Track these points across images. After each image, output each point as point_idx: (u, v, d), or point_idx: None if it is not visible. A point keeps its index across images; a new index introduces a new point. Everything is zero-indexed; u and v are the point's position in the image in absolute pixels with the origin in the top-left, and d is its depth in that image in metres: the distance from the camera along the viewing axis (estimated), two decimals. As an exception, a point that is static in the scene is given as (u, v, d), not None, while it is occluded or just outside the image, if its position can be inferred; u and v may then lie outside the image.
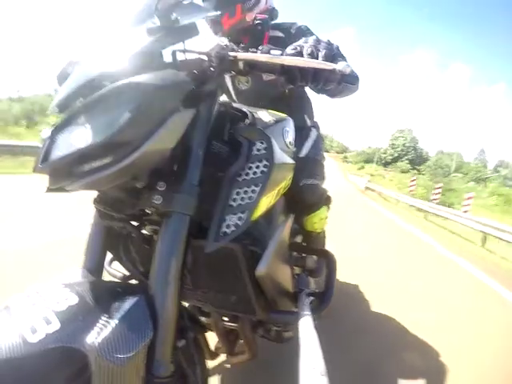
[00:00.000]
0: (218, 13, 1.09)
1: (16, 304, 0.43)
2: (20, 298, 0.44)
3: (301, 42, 0.62)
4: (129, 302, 0.46)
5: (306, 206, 1.09)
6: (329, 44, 0.61)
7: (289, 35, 1.12)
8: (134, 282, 0.83)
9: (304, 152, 1.18)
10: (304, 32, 1.12)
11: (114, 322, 0.42)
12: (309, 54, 0.58)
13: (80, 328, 0.41)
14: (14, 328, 0.39)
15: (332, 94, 0.69)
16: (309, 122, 1.32)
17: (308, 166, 1.13)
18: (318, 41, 0.61)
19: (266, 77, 1.16)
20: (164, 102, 0.47)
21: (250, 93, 1.22)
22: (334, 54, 0.60)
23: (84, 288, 0.47)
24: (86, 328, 0.41)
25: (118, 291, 0.49)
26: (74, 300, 0.43)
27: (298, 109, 1.27)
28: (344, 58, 0.62)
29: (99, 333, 0.41)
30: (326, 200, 1.25)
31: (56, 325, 0.39)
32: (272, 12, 1.18)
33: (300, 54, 0.59)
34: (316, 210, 1.12)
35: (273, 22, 1.18)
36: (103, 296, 0.47)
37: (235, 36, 1.14)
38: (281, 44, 1.09)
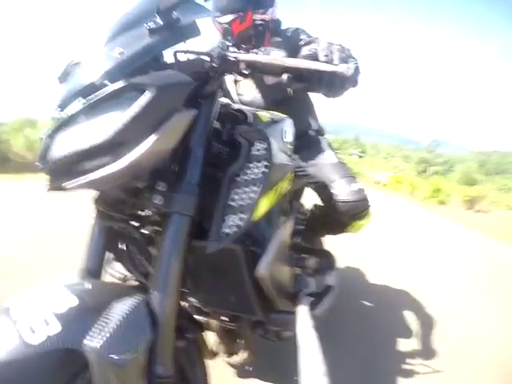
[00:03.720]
0: (218, 13, 1.09)
1: (16, 306, 0.42)
2: (20, 299, 0.44)
3: (314, 45, 0.63)
4: (129, 304, 0.45)
5: (360, 210, 1.08)
6: (341, 47, 0.62)
7: (287, 38, 1.16)
8: (134, 283, 0.83)
9: (334, 158, 1.19)
10: (300, 33, 1.17)
11: (114, 324, 0.42)
12: (325, 55, 0.59)
13: (80, 330, 0.40)
14: (14, 330, 0.39)
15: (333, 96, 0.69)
16: (314, 126, 1.33)
17: (347, 171, 1.15)
18: (330, 44, 0.62)
19: (269, 81, 1.17)
20: (165, 103, 0.47)
21: (254, 98, 1.23)
22: (346, 58, 0.61)
23: (84, 289, 0.46)
24: (86, 330, 0.41)
25: (119, 292, 0.49)
26: (74, 302, 0.43)
27: (302, 112, 1.29)
28: (355, 61, 0.63)
29: (99, 334, 0.40)
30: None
31: (56, 327, 0.39)
32: (276, 23, 1.22)
33: (315, 57, 0.60)
34: (368, 212, 1.12)
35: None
36: (103, 297, 0.46)
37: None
38: (281, 48, 1.11)
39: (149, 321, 0.46)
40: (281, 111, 0.90)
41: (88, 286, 0.48)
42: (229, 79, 1.26)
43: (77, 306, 0.42)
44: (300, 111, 1.25)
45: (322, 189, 1.12)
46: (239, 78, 1.22)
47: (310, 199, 1.57)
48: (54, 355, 0.38)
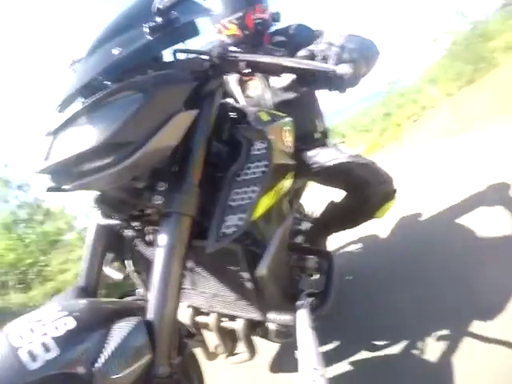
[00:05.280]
0: (216, 12, 1.09)
1: (14, 331, 0.42)
2: (18, 324, 0.43)
3: (312, 46, 0.63)
4: (127, 324, 0.45)
5: (389, 192, 1.12)
6: (340, 47, 0.62)
7: (290, 36, 1.15)
8: (133, 283, 0.83)
9: (349, 150, 1.20)
10: (302, 29, 1.16)
11: (112, 345, 0.42)
12: (322, 57, 0.60)
13: (79, 353, 0.40)
14: (13, 356, 0.38)
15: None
16: (320, 128, 1.33)
17: (366, 158, 1.16)
18: (329, 44, 0.62)
19: (275, 83, 1.17)
20: (165, 103, 0.47)
21: (259, 99, 1.22)
22: (344, 58, 0.61)
23: (82, 311, 0.46)
24: (85, 352, 0.40)
25: (116, 312, 0.49)
26: (71, 324, 0.42)
27: (308, 114, 1.29)
28: (354, 63, 0.63)
29: (98, 357, 0.40)
30: None
31: (55, 351, 0.39)
32: (275, 16, 1.21)
33: (311, 57, 0.60)
34: (395, 195, 1.15)
35: (274, 29, 1.20)
36: (101, 318, 0.46)
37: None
38: (285, 47, 1.07)
39: (147, 341, 0.45)
40: (287, 113, 0.90)
41: (85, 305, 0.48)
42: (233, 80, 1.26)
43: (74, 328, 0.42)
44: (306, 113, 1.25)
45: (346, 177, 1.12)
46: (245, 78, 1.22)
47: (309, 198, 1.57)
48: (53, 380, 0.38)
